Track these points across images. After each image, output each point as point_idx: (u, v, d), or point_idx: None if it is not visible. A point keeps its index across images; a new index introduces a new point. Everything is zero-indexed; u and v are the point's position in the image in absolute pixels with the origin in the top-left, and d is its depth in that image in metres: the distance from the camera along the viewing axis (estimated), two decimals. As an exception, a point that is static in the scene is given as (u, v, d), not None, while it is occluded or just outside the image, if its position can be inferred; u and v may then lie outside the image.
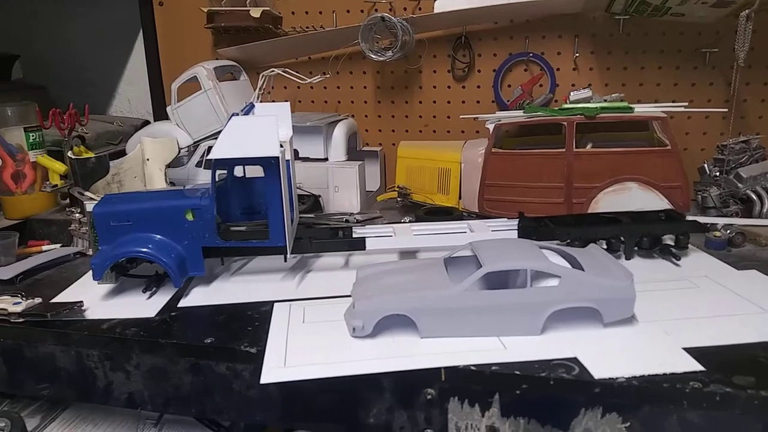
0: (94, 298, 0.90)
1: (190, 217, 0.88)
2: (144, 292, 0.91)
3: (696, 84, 1.36)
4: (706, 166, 1.23)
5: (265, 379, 0.68)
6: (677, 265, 0.96)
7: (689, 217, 1.03)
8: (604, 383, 0.64)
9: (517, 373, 0.67)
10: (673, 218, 1.02)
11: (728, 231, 1.04)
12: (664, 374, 0.64)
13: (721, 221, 1.10)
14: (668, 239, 1.00)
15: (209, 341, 0.76)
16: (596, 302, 0.73)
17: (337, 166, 1.32)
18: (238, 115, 0.89)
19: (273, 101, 1.51)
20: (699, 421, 0.63)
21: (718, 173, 1.20)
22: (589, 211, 1.12)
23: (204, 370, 0.77)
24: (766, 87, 1.33)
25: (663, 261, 0.98)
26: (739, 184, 1.15)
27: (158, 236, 0.89)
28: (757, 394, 0.61)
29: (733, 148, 1.18)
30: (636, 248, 0.99)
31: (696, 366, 0.66)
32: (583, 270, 0.76)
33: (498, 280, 0.77)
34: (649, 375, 0.64)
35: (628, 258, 0.99)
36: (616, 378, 0.64)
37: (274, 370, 0.69)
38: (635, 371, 0.65)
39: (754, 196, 1.14)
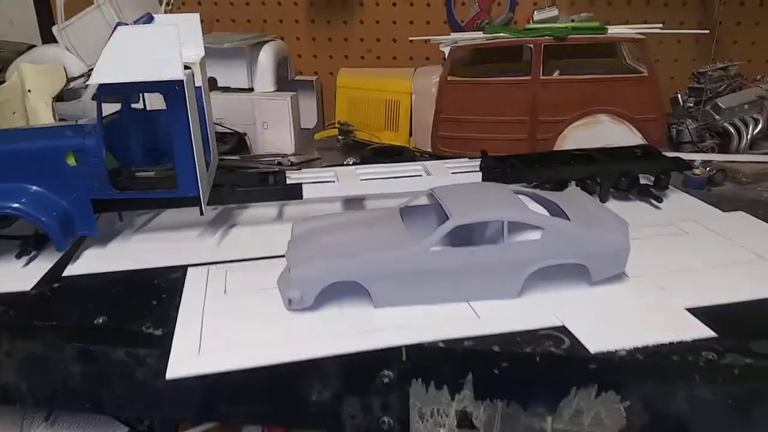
0: (-51, 267, 0.75)
1: (72, 161, 0.75)
2: (18, 257, 0.79)
3: (668, 4, 1.30)
4: (679, 96, 1.17)
5: (172, 372, 0.57)
6: (658, 207, 0.90)
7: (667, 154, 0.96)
8: (601, 358, 0.56)
9: (497, 349, 0.58)
10: (651, 155, 0.96)
11: (708, 168, 0.99)
12: (671, 343, 0.57)
13: (698, 157, 1.04)
14: (645, 179, 0.93)
15: (100, 321, 0.65)
16: (586, 258, 0.65)
17: (264, 98, 1.22)
18: (126, 25, 0.74)
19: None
20: (711, 398, 0.56)
21: (692, 104, 1.14)
22: (555, 148, 1.05)
23: (97, 357, 0.65)
24: (742, 8, 1.28)
25: (641, 203, 0.92)
26: (717, 116, 1.10)
27: (34, 187, 0.76)
28: (780, 363, 0.54)
29: (711, 76, 1.11)
30: (611, 189, 0.92)
31: (706, 331, 0.59)
32: (568, 219, 0.67)
33: (464, 235, 0.68)
34: (653, 345, 0.57)
35: (603, 201, 0.92)
36: (616, 351, 0.56)
37: (184, 360, 0.58)
38: (637, 341, 0.57)
39: (732, 130, 1.10)
